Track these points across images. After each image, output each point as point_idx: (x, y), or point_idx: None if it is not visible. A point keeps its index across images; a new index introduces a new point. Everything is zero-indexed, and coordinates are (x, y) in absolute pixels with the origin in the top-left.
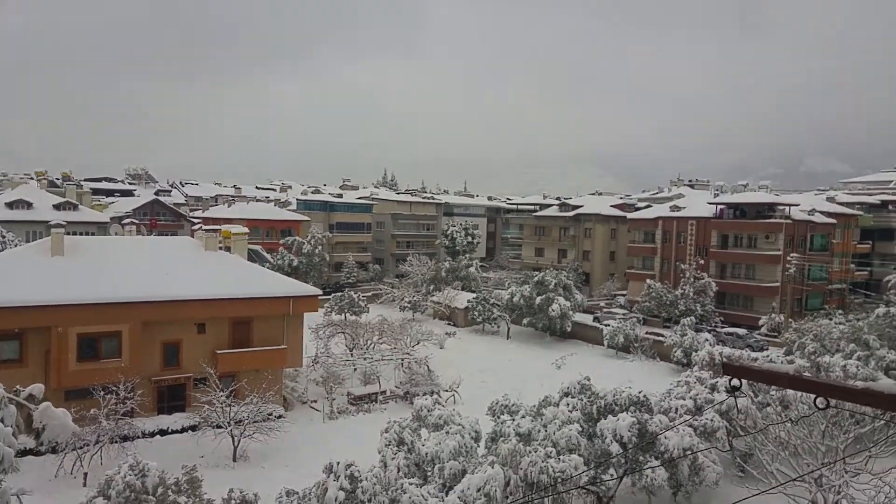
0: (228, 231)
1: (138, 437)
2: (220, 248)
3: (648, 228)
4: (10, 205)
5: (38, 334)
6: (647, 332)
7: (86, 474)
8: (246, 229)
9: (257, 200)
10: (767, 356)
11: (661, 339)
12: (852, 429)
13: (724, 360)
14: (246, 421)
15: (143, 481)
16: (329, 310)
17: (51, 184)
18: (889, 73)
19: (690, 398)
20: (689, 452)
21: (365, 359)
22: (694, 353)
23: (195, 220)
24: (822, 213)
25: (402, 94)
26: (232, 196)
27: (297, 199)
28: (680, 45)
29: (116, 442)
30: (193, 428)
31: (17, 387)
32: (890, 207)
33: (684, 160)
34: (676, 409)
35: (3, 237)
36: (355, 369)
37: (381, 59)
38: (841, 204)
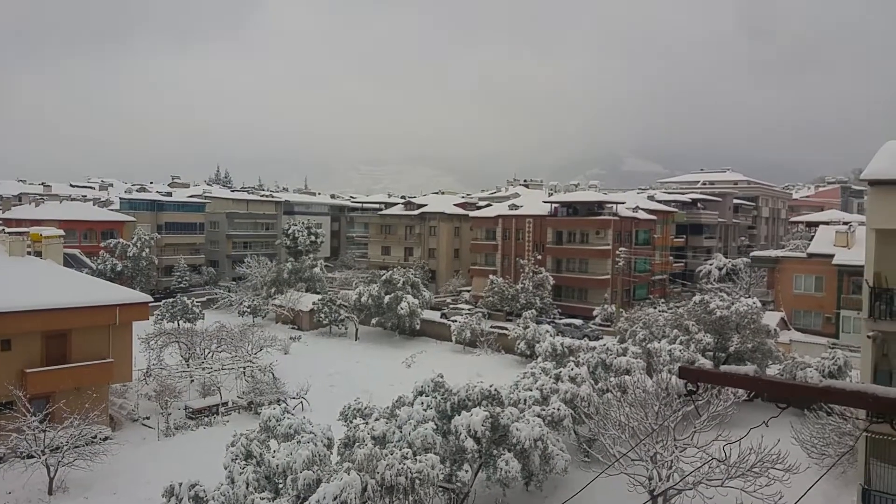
0: (38, 234)
1: None
2: (29, 253)
3: (490, 226)
4: None
5: None
6: (492, 326)
7: None
8: (60, 231)
9: (72, 199)
10: (604, 345)
11: (505, 332)
12: (680, 407)
13: (681, 364)
14: (65, 447)
15: None
16: (160, 317)
17: None
18: (690, 87)
19: (537, 389)
20: (538, 442)
21: (203, 369)
22: (537, 345)
23: None
24: (644, 210)
25: (232, 91)
26: (41, 195)
27: (120, 199)
28: (506, 54)
29: None
30: None
31: None
32: (699, 205)
33: (516, 160)
34: (525, 399)
35: None
36: (192, 381)
37: (209, 52)
38: (660, 202)
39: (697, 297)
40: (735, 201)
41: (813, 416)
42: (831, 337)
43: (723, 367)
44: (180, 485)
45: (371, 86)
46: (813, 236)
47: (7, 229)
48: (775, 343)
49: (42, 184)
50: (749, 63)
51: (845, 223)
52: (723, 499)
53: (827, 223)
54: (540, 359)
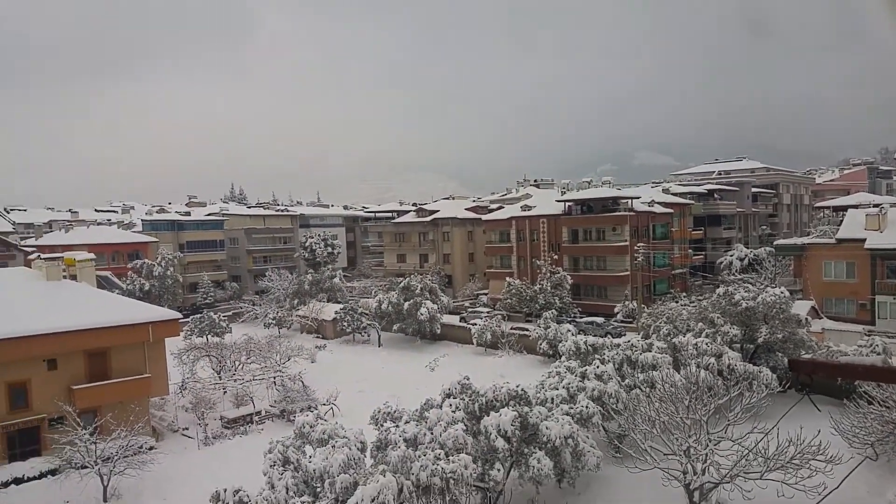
0: (72, 258)
1: None
2: (65, 277)
3: (503, 229)
4: None
5: None
6: (512, 328)
7: None
8: (91, 255)
9: (98, 224)
10: (628, 341)
11: (526, 333)
12: (711, 401)
13: (790, 358)
14: (115, 457)
15: None
16: (189, 333)
17: None
18: (704, 79)
19: (563, 387)
20: (569, 440)
21: (235, 380)
22: (560, 344)
23: (29, 249)
24: (660, 203)
25: (238, 111)
26: (69, 221)
27: (141, 220)
28: (511, 58)
29: None
30: (53, 472)
31: None
32: (716, 196)
33: (524, 162)
34: (552, 398)
35: None
36: (225, 392)
37: (212, 75)
38: (675, 195)
39: (721, 289)
40: (754, 190)
41: (853, 405)
42: (867, 324)
43: (842, 359)
44: (225, 490)
45: (368, 97)
46: (841, 221)
47: (42, 255)
48: (807, 332)
49: (69, 210)
50: (761, 46)
51: (876, 205)
52: (762, 491)
53: (855, 206)
54: (564, 358)
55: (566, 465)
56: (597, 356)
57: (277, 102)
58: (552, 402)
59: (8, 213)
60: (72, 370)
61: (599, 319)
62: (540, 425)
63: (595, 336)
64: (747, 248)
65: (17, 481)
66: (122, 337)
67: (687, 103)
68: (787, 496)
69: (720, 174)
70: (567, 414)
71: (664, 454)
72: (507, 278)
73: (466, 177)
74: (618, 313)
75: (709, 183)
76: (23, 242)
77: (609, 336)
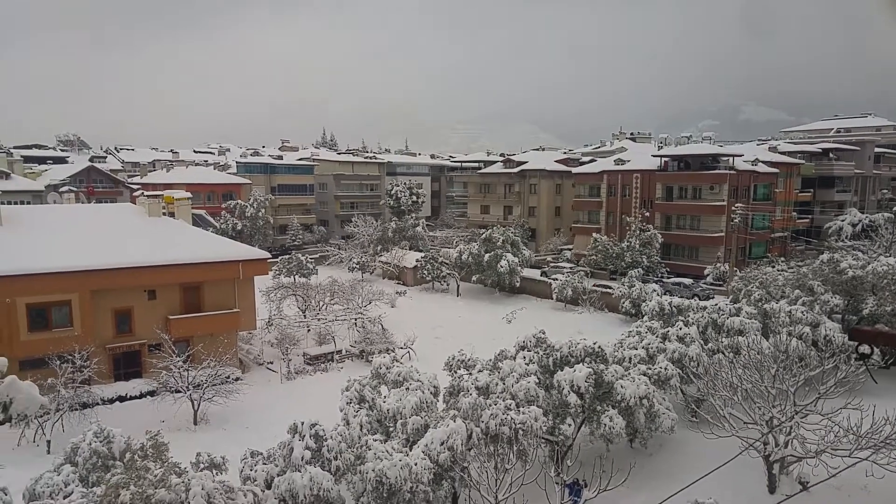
0: (171, 196)
1: (98, 404)
2: (164, 214)
3: (593, 182)
4: None
5: None
6: (594, 285)
7: (49, 442)
8: (189, 194)
9: (196, 164)
10: (715, 305)
11: (608, 291)
12: (801, 372)
13: (853, 327)
14: (205, 385)
15: (109, 447)
16: (278, 273)
17: None
18: (824, 24)
19: (643, 348)
20: (644, 400)
21: (318, 319)
22: (643, 304)
23: (134, 187)
24: (764, 162)
25: (333, 58)
26: (170, 161)
27: (236, 162)
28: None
29: (76, 409)
30: (152, 393)
31: None
32: (831, 156)
33: (620, 114)
34: (630, 358)
35: None
36: (309, 330)
37: (310, 19)
38: (783, 153)
39: (825, 256)
40: (877, 150)
41: None
42: None
43: None
44: (302, 423)
45: (463, 42)
46: None
47: (145, 193)
48: None
49: (171, 150)
50: None
51: None
52: (848, 469)
53: None
54: (646, 318)
55: (639, 425)
56: (680, 318)
57: (372, 50)
58: (629, 362)
59: (118, 152)
60: (169, 301)
61: (688, 281)
62: (615, 384)
63: (682, 297)
64: (862, 212)
65: (122, 399)
66: (214, 273)
67: (808, 48)
68: (876, 476)
69: (839, 132)
70: (644, 374)
71: (744, 423)
72: (594, 234)
73: (561, 129)
74: (708, 275)
75: (824, 141)
76: (129, 180)
77: (696, 298)
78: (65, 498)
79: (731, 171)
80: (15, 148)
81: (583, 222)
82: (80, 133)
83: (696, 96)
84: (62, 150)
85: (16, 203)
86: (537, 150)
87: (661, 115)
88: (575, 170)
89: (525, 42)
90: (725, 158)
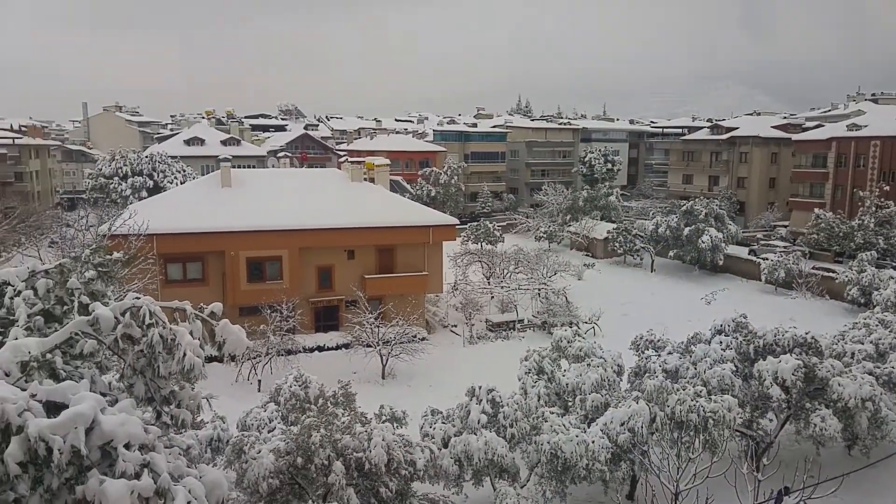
0: (371, 163)
1: (300, 352)
2: (365, 179)
3: (819, 151)
4: (188, 142)
5: (215, 258)
6: (813, 268)
7: (259, 381)
8: (387, 161)
9: (396, 132)
10: None
11: (831, 275)
12: None
13: None
14: (393, 342)
15: (305, 392)
16: (465, 239)
17: (217, 122)
18: None
19: (871, 343)
20: (867, 403)
21: (502, 287)
22: (875, 292)
23: (341, 153)
24: None
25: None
26: (373, 129)
27: (433, 130)
28: None
29: (282, 355)
30: (346, 346)
31: (201, 304)
32: None
33: (857, 70)
34: (853, 353)
35: (184, 171)
36: (492, 297)
37: None
38: None
39: None
40: None
41: None
42: None
43: None
44: (480, 388)
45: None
46: None
47: (349, 159)
48: None
49: (375, 119)
50: None
51: None
52: None
53: None
54: (878, 308)
55: (860, 430)
56: None
57: (570, 12)
58: (851, 357)
59: (328, 120)
60: (365, 261)
61: None
62: (831, 380)
63: None
64: None
65: (320, 349)
66: (406, 237)
67: None
68: None
69: None
70: (870, 373)
71: None
72: (816, 209)
73: (782, 93)
74: None
75: None
76: (337, 147)
77: None
78: (269, 432)
79: None
80: (245, 118)
81: (803, 196)
82: (298, 103)
83: None
84: (282, 119)
85: (243, 167)
86: (751, 114)
87: None
88: (796, 136)
89: None
90: None
